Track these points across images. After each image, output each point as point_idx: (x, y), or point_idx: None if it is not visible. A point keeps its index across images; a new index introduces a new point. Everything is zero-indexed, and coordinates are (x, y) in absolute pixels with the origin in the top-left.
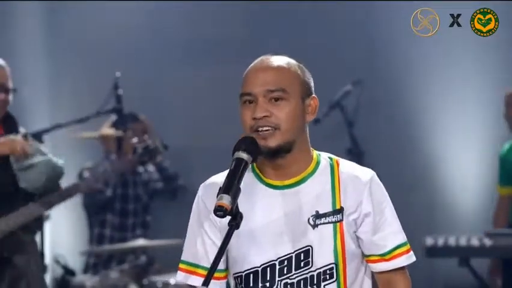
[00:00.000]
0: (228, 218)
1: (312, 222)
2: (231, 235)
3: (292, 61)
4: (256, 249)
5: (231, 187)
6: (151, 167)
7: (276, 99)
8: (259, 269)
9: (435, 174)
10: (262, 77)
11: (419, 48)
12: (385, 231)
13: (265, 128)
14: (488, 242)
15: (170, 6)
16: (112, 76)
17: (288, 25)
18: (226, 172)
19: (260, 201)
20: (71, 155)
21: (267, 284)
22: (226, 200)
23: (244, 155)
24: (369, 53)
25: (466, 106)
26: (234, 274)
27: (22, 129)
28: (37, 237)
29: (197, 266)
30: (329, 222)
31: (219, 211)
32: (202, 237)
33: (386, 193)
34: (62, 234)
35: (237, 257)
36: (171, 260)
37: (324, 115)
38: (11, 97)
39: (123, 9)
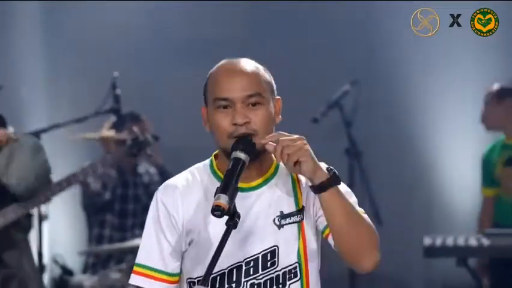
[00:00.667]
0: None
1: (277, 223)
2: (229, 235)
3: (258, 64)
4: (224, 251)
5: (228, 187)
6: (152, 169)
7: (254, 104)
8: (226, 271)
9: (433, 174)
10: (239, 82)
11: (418, 48)
12: None
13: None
14: (486, 241)
15: (170, 6)
16: (111, 76)
17: (288, 25)
18: (183, 174)
19: None
20: (69, 155)
21: (233, 285)
22: (223, 200)
23: (242, 155)
24: (368, 53)
25: (465, 106)
26: (193, 278)
27: (11, 128)
28: (35, 237)
29: (152, 269)
30: (293, 222)
31: (217, 211)
32: (159, 241)
33: None
34: (60, 234)
35: (201, 260)
36: None
37: (322, 115)
38: None
39: (123, 9)
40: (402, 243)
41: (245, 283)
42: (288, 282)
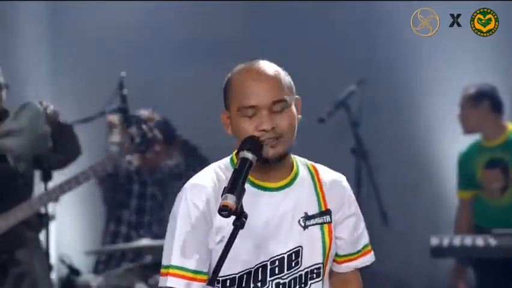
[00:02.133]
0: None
1: (302, 224)
2: (236, 235)
3: (277, 67)
4: (250, 250)
5: (236, 187)
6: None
7: (280, 110)
8: (253, 270)
9: (439, 174)
10: (264, 88)
11: (421, 48)
12: (360, 230)
13: (271, 139)
14: (493, 242)
15: (170, 6)
16: (113, 76)
17: (289, 25)
18: (207, 173)
19: (250, 202)
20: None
21: (259, 284)
22: (231, 200)
23: (249, 155)
24: (371, 53)
25: None
26: (221, 277)
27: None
28: (42, 237)
29: (189, 270)
30: (317, 224)
31: (224, 211)
32: (193, 241)
33: None
34: (67, 234)
35: (229, 259)
36: None
37: (328, 115)
38: (4, 93)
39: (124, 9)
40: (407, 242)
41: (270, 282)
42: (309, 282)
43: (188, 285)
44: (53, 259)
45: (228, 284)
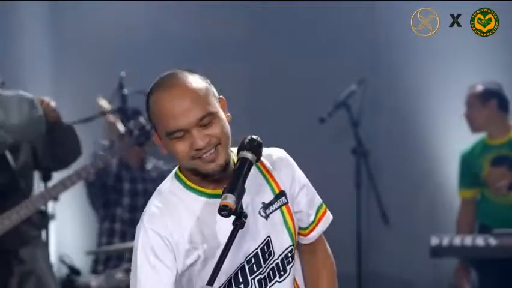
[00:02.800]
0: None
1: (263, 214)
2: (236, 235)
3: (195, 75)
4: (228, 259)
5: (236, 186)
6: (160, 163)
7: (208, 122)
8: (233, 275)
9: (440, 173)
10: (186, 108)
11: (422, 48)
12: (311, 194)
13: (209, 152)
14: (493, 242)
15: (170, 6)
16: (112, 76)
17: (288, 25)
18: (158, 201)
19: (209, 215)
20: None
21: (242, 286)
22: (230, 200)
23: (248, 155)
24: (370, 53)
25: None
26: None
27: None
28: (43, 236)
29: None
30: (276, 209)
31: (224, 210)
32: (158, 271)
33: None
34: (67, 234)
35: (206, 276)
36: None
37: (329, 115)
38: None
39: (125, 9)
40: (408, 242)
41: (252, 281)
42: (287, 267)
43: None
44: (53, 259)
45: None
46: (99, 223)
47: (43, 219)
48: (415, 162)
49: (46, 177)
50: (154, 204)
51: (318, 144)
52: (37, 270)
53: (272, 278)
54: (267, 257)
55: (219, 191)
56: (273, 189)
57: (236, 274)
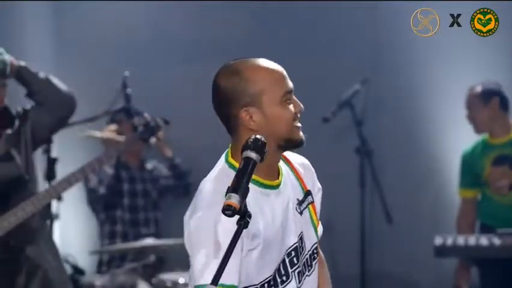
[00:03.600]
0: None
1: (298, 210)
2: (240, 234)
3: None
4: (274, 253)
5: (240, 186)
6: (160, 165)
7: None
8: (276, 269)
9: (443, 173)
10: (285, 74)
11: (424, 48)
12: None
13: (299, 121)
14: (497, 241)
15: (171, 7)
16: (115, 75)
17: (290, 25)
18: (216, 185)
19: (266, 205)
20: (78, 154)
21: (284, 278)
22: (234, 199)
23: (252, 154)
24: (374, 52)
25: None
26: (256, 284)
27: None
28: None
29: (231, 286)
30: (306, 206)
31: (228, 210)
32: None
33: None
34: (71, 233)
35: (267, 262)
36: (181, 259)
37: (333, 114)
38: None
39: (125, 9)
40: (412, 242)
41: (292, 273)
42: (313, 263)
43: None
44: None
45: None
46: (100, 226)
47: (48, 211)
48: (419, 161)
49: (50, 177)
50: (212, 192)
51: (322, 144)
52: (44, 263)
53: (304, 271)
54: (301, 250)
55: (270, 182)
56: (302, 189)
57: (279, 267)
